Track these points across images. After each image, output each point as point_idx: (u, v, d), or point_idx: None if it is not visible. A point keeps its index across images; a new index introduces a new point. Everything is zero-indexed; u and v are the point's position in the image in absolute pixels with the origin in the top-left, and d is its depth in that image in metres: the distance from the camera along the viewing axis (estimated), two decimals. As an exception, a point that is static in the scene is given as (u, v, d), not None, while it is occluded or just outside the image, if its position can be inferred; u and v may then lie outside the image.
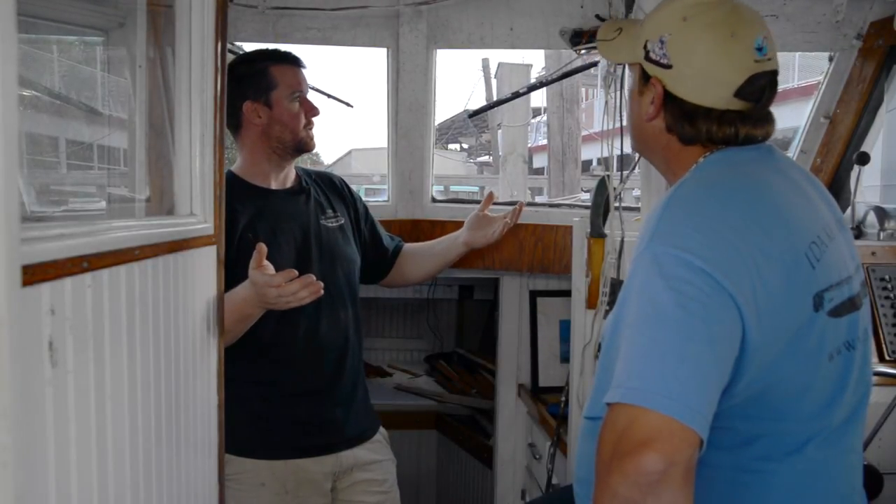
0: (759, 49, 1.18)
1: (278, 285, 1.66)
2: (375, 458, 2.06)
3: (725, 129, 1.19)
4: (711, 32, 1.18)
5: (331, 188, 2.13)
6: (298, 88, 1.97)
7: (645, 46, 1.24)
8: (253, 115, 1.94)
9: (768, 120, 1.22)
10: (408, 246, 2.32)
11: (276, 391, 1.92)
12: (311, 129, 2.00)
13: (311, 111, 1.99)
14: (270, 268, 1.70)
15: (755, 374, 1.06)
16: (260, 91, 1.94)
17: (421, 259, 2.30)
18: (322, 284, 1.69)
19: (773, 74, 1.21)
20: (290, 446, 1.92)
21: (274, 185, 2.00)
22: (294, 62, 1.99)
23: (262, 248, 1.70)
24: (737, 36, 1.18)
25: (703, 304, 1.01)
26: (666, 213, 1.11)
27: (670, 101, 1.22)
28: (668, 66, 1.21)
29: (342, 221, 2.08)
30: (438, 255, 2.30)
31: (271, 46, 2.07)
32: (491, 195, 2.33)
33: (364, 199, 2.30)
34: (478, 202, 2.48)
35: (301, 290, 1.67)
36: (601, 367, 1.22)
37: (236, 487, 1.86)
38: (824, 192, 1.28)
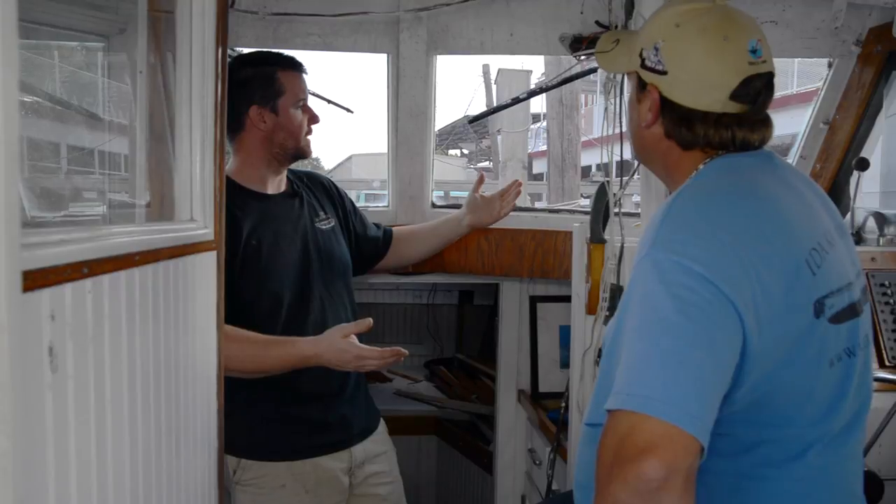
0: (754, 51, 1.19)
1: (379, 357, 1.79)
2: (381, 449, 2.10)
3: (722, 132, 1.20)
4: (704, 36, 1.19)
5: (320, 189, 2.15)
6: (303, 96, 1.98)
7: (640, 54, 1.26)
8: (258, 120, 1.94)
9: (765, 124, 1.23)
10: (402, 229, 2.36)
11: (289, 394, 1.93)
12: (310, 135, 2.02)
13: (314, 119, 2.02)
14: (355, 339, 1.81)
15: (756, 381, 1.06)
16: (267, 97, 1.94)
17: (419, 240, 2.36)
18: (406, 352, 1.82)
19: (769, 76, 1.21)
20: (306, 446, 1.94)
21: (270, 190, 2.01)
22: (299, 68, 2.00)
23: (369, 322, 1.82)
24: (730, 39, 1.19)
25: (703, 310, 1.01)
26: (666, 219, 1.11)
27: (667, 107, 1.23)
28: (664, 73, 1.22)
29: (333, 223, 2.11)
30: (440, 237, 2.37)
31: (276, 51, 2.07)
32: (482, 177, 2.41)
33: (364, 204, 2.32)
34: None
35: (390, 359, 1.80)
36: (602, 374, 1.22)
37: (257, 492, 1.88)
38: (825, 198, 1.28)
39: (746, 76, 1.18)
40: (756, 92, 1.19)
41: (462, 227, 2.36)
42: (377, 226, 2.30)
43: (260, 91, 1.94)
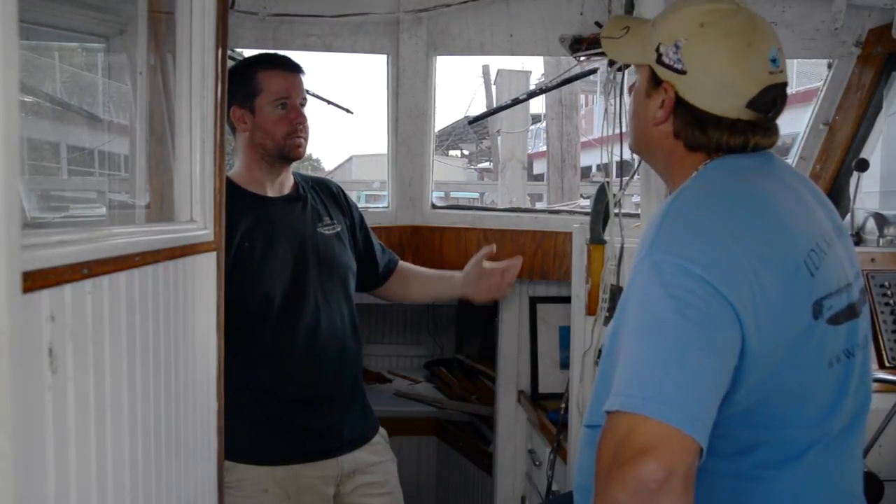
0: (774, 61, 1.17)
1: None
2: (376, 459, 2.06)
3: (737, 137, 1.19)
4: (730, 41, 1.17)
5: (328, 195, 2.12)
6: (284, 94, 1.92)
7: (657, 49, 1.22)
8: (239, 122, 1.93)
9: (774, 130, 1.23)
10: (405, 266, 2.27)
11: (276, 399, 1.92)
12: (296, 136, 1.94)
13: (296, 119, 1.93)
14: None
15: (755, 383, 1.06)
16: (246, 97, 1.92)
17: (413, 285, 2.26)
18: None
19: (784, 86, 1.20)
20: (291, 452, 1.92)
21: (270, 193, 1.99)
22: (284, 67, 1.95)
23: None
24: (753, 46, 1.17)
25: (702, 311, 1.01)
26: (665, 221, 1.11)
27: (681, 108, 1.21)
28: (682, 72, 1.19)
29: (339, 229, 2.07)
30: (434, 290, 2.28)
31: (271, 52, 2.07)
32: (492, 250, 2.20)
33: (364, 205, 2.29)
34: (478, 208, 2.47)
35: None
36: (601, 375, 1.21)
37: (238, 494, 1.86)
38: (824, 199, 1.28)
39: (766, 86, 1.17)
40: (772, 101, 1.18)
41: (455, 291, 2.23)
42: (384, 250, 2.23)
43: (239, 91, 1.91)
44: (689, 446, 0.94)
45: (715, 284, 1.02)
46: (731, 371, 1.02)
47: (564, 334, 2.62)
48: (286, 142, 1.93)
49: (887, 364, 2.09)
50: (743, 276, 1.04)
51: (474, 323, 3.86)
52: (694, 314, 1.00)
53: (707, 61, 1.18)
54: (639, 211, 2.11)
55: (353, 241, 2.12)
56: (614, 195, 1.98)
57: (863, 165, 2.41)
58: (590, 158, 10.76)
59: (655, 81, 1.24)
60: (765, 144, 1.21)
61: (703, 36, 1.18)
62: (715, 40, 1.18)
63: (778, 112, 1.20)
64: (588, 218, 2.05)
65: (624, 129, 1.88)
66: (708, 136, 1.20)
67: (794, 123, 2.72)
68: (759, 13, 1.23)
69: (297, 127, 1.94)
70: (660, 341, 1.00)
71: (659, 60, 1.22)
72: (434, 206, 2.75)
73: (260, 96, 1.92)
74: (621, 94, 1.94)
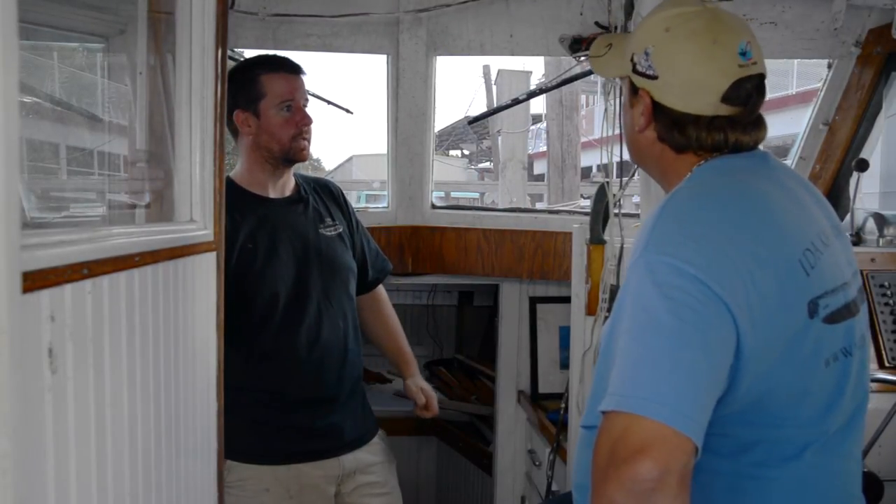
0: (743, 54, 1.19)
1: None
2: (376, 459, 2.07)
3: (715, 135, 1.20)
4: (694, 40, 1.20)
5: (329, 197, 2.12)
6: (289, 97, 1.93)
7: (632, 59, 1.26)
8: (244, 125, 1.93)
9: (758, 126, 1.23)
10: (381, 295, 2.25)
11: (278, 399, 1.92)
12: (302, 139, 1.94)
13: (301, 121, 1.94)
14: None
15: (752, 381, 1.06)
16: (249, 100, 1.92)
17: (374, 323, 2.23)
18: None
19: (760, 78, 1.21)
20: (292, 452, 1.93)
21: (272, 194, 1.99)
22: (287, 69, 1.95)
23: None
24: (719, 42, 1.19)
25: (696, 311, 1.01)
26: (659, 221, 1.12)
27: (659, 111, 1.23)
28: (654, 77, 1.22)
29: (340, 230, 2.07)
30: (380, 337, 2.25)
31: (271, 53, 2.07)
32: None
33: (364, 205, 2.29)
34: (478, 208, 2.46)
35: None
36: (597, 375, 1.22)
37: (240, 494, 1.87)
38: (821, 199, 1.28)
39: (736, 79, 1.18)
40: (747, 94, 1.19)
41: (396, 362, 2.26)
42: (378, 256, 2.21)
43: (243, 95, 1.91)
44: (683, 445, 0.94)
45: (709, 284, 1.02)
46: (727, 370, 1.03)
47: (564, 334, 2.62)
48: (292, 144, 1.94)
49: (887, 364, 2.10)
50: (737, 276, 1.04)
51: (474, 323, 3.87)
52: (688, 314, 1.01)
53: (674, 63, 1.21)
54: (639, 211, 2.11)
55: (352, 243, 2.13)
56: (614, 195, 1.98)
57: (863, 165, 2.41)
58: (590, 159, 10.75)
59: (634, 90, 1.28)
60: (747, 141, 1.22)
61: (669, 40, 1.22)
62: (680, 42, 1.21)
63: (756, 104, 1.21)
64: (588, 218, 2.05)
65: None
66: (687, 136, 1.22)
67: (794, 123, 2.73)
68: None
69: (302, 129, 1.94)
70: (655, 342, 1.01)
71: (634, 70, 1.26)
72: (434, 206, 2.75)
73: (265, 100, 1.92)
74: (621, 94, 1.94)
